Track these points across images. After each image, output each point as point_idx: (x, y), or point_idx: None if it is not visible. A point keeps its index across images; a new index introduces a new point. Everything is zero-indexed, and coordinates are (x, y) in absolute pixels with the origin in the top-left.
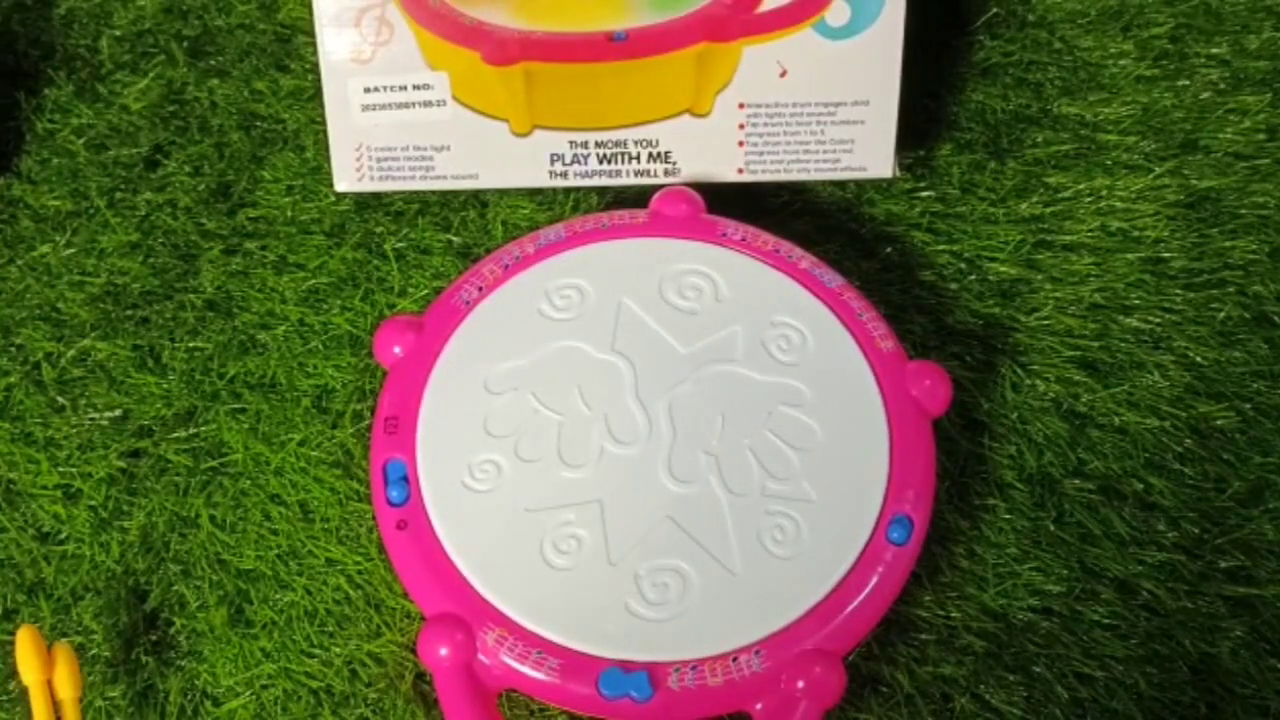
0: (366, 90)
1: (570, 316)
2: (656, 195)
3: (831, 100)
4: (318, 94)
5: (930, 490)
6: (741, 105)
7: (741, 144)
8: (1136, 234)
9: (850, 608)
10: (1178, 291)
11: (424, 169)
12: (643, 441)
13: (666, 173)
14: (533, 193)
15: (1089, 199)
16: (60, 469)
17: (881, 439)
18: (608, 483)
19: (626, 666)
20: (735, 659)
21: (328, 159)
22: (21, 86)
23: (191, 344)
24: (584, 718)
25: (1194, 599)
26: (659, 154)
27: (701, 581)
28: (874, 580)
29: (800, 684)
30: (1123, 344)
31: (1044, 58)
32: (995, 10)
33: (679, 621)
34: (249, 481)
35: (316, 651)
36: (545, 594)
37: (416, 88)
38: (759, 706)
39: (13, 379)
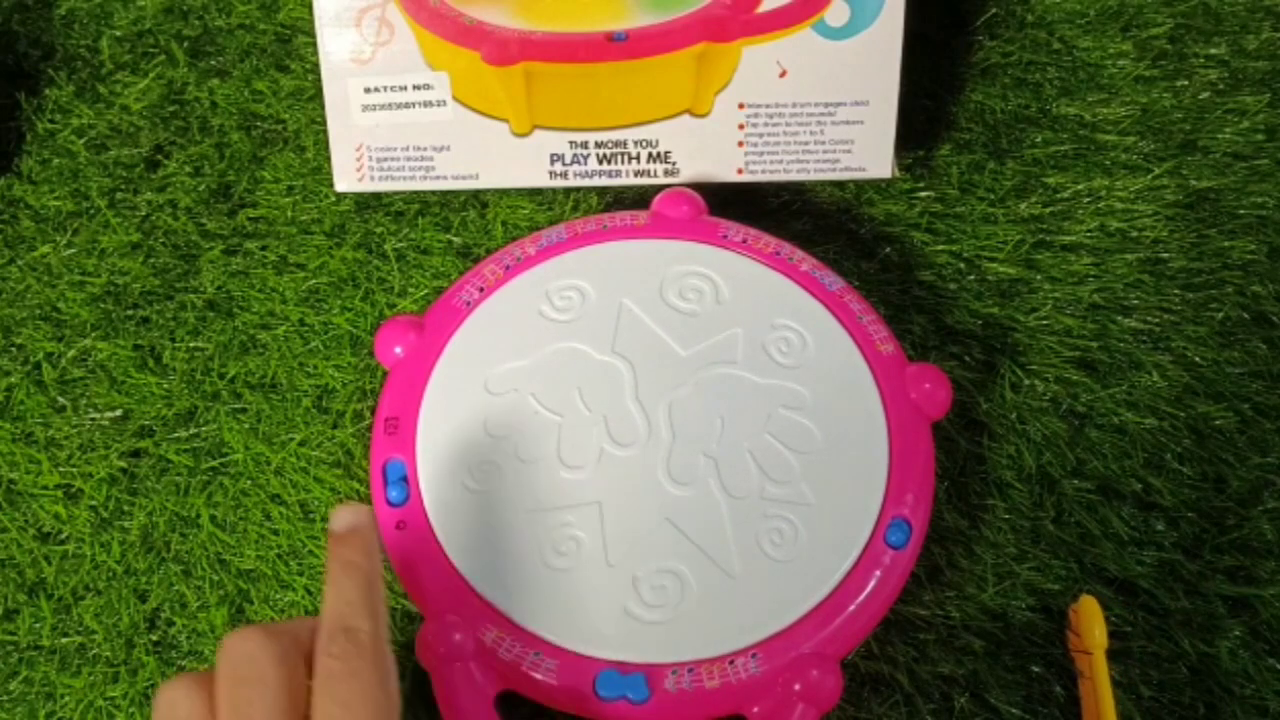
0: (366, 90)
1: (571, 318)
2: (658, 197)
3: (831, 100)
4: (318, 94)
5: (929, 494)
6: (741, 105)
7: (741, 144)
8: (1135, 234)
9: (848, 611)
10: (1176, 292)
11: (424, 169)
12: (642, 443)
13: (666, 173)
14: (533, 193)
15: (1088, 199)
16: (61, 469)
17: (881, 442)
18: (607, 484)
19: (623, 668)
20: (732, 662)
21: (328, 159)
22: (22, 87)
23: (192, 344)
24: (581, 719)
25: (1193, 599)
26: (659, 154)
27: (700, 584)
28: (872, 584)
29: (797, 687)
30: (1121, 344)
31: (1043, 58)
32: (995, 10)
33: (677, 624)
34: (249, 481)
35: None
36: (543, 595)
37: (416, 88)
38: (756, 710)
39: (14, 379)
